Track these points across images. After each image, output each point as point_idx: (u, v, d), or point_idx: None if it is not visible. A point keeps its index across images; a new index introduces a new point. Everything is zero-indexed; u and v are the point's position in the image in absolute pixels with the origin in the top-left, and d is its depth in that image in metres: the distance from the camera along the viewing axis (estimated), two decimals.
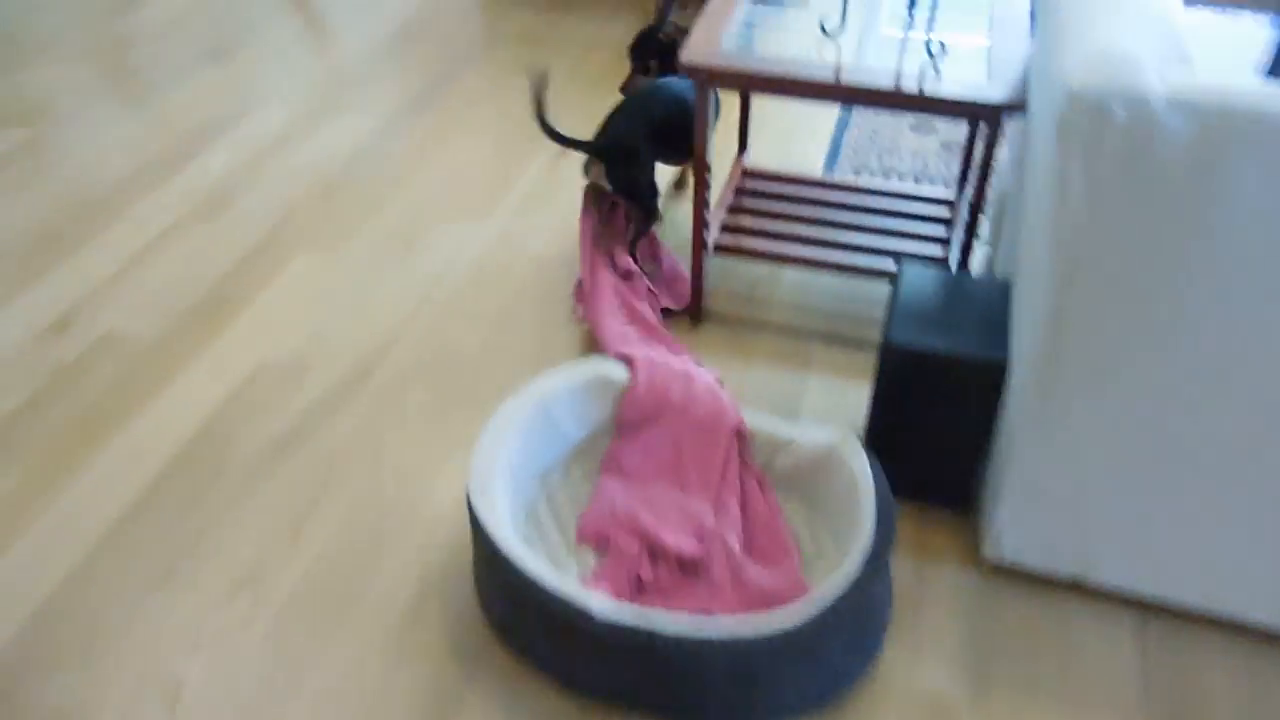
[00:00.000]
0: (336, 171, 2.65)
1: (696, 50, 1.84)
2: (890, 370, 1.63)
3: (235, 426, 1.92)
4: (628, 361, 1.78)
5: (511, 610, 1.49)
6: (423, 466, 1.84)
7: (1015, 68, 1.77)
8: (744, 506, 1.67)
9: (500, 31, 3.31)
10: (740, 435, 1.71)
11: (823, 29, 1.87)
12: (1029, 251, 1.50)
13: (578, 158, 2.69)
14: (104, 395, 1.99)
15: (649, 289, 2.15)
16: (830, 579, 1.41)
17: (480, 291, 2.25)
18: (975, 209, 1.86)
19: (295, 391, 2.00)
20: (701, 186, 1.99)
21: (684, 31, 2.30)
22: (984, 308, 1.67)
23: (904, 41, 1.87)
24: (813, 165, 2.66)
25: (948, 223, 2.25)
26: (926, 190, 2.34)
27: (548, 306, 2.20)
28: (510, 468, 1.60)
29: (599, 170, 2.14)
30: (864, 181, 2.38)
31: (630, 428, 1.74)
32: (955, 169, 2.61)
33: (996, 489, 1.56)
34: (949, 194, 2.33)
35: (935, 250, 2.14)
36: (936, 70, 1.77)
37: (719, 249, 2.16)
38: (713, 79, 1.82)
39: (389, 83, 3.04)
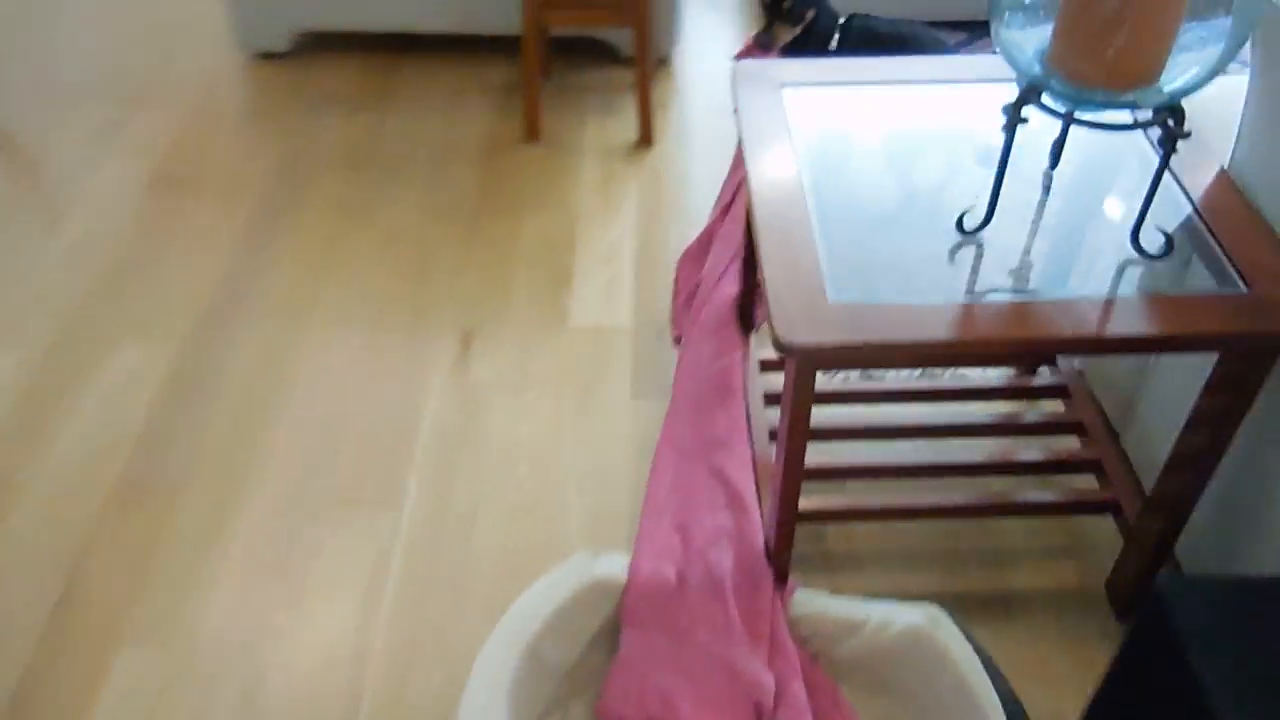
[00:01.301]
0: (130, 458, 1.71)
1: (790, 319, 1.08)
2: None
3: None
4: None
5: None
6: None
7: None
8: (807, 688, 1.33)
9: (304, 157, 2.39)
10: (783, 597, 1.39)
11: (960, 226, 1.15)
12: None
13: (488, 374, 1.87)
14: None
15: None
16: None
17: (425, 670, 1.43)
18: (1194, 487, 1.22)
19: None
20: (798, 455, 1.27)
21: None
22: None
23: (1071, 229, 1.18)
24: None
25: (1071, 429, 1.60)
26: (1021, 379, 1.69)
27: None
28: None
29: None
30: (939, 381, 1.67)
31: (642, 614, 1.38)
32: None
33: None
34: (1052, 377, 1.68)
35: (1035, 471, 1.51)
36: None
37: (801, 516, 1.45)
38: (826, 361, 1.08)
39: (170, 274, 2.08)
